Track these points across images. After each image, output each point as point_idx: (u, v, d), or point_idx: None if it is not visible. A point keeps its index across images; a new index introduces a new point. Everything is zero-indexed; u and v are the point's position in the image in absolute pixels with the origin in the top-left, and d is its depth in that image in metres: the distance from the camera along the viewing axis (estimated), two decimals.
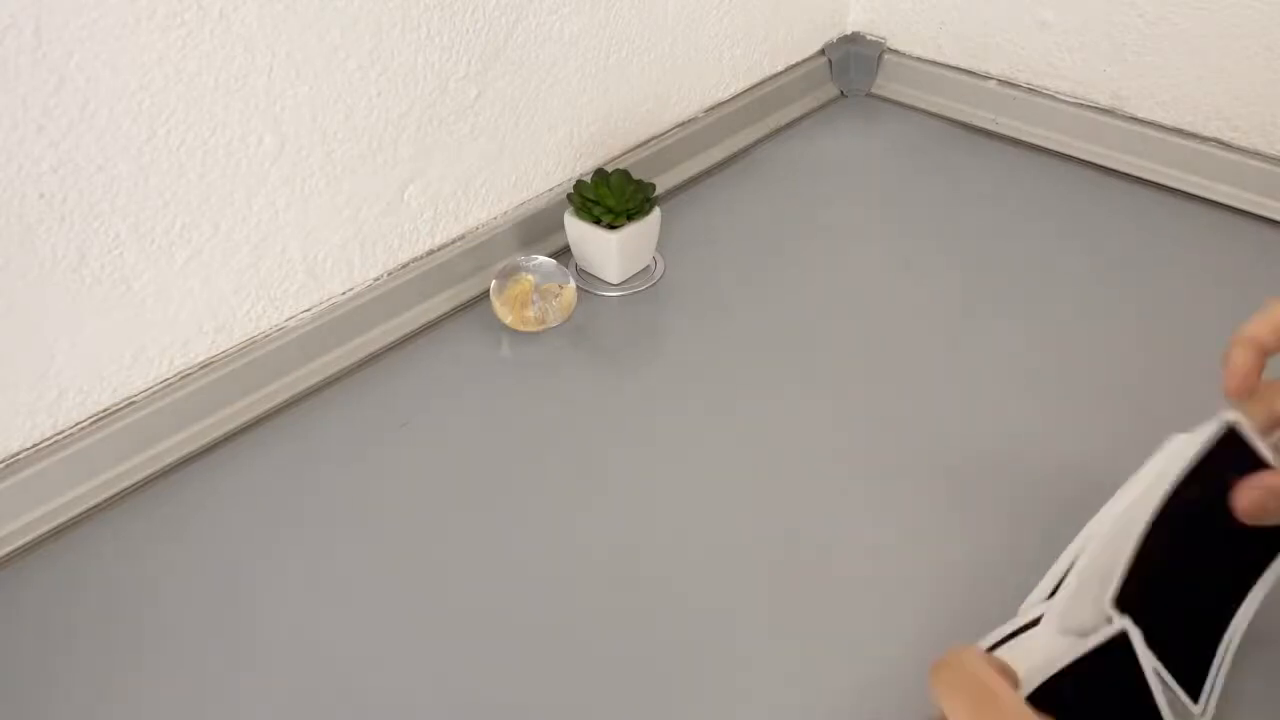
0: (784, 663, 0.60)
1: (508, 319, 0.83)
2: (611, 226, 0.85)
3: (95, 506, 0.71)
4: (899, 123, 1.11)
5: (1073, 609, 0.47)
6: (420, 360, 0.83)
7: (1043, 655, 0.45)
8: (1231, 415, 0.47)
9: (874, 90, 1.15)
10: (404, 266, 0.84)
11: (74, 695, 0.60)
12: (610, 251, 0.86)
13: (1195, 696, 0.49)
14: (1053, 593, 0.49)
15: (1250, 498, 0.49)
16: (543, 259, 0.85)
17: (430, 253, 0.85)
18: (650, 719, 0.57)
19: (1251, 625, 0.51)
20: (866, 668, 0.59)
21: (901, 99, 1.13)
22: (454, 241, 0.86)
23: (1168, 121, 0.97)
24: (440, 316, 0.86)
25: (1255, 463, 0.48)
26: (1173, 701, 0.47)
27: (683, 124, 1.02)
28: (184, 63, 0.65)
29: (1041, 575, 0.53)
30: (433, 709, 0.58)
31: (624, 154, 0.97)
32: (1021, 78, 1.05)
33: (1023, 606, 0.51)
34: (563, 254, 0.90)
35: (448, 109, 0.81)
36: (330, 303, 0.80)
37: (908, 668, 0.58)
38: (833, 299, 0.87)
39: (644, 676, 0.59)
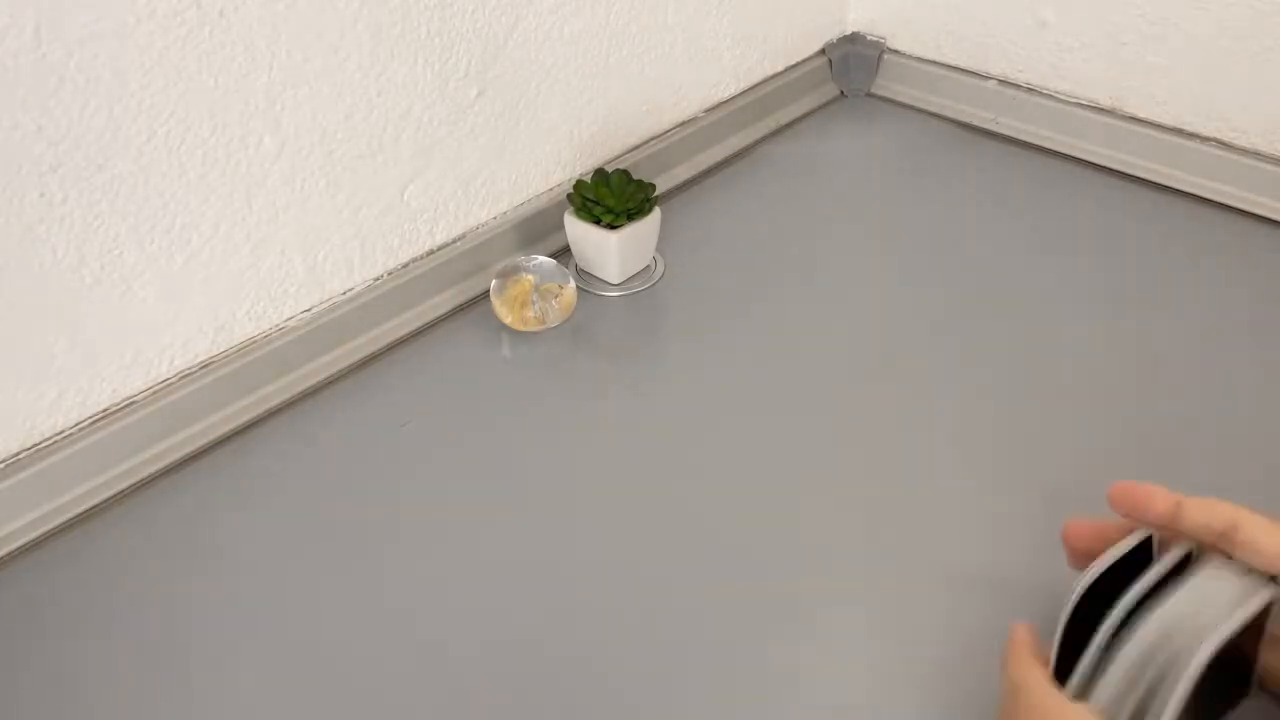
0: (775, 666, 0.60)
1: (508, 319, 0.83)
2: (611, 226, 0.85)
3: (95, 507, 0.71)
4: (899, 123, 1.11)
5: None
6: (420, 360, 0.83)
7: None
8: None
9: (874, 90, 1.15)
10: (404, 266, 0.84)
11: (74, 693, 0.60)
12: (610, 251, 0.86)
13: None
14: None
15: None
16: (543, 259, 0.85)
17: (430, 253, 0.85)
18: None
19: None
20: (861, 675, 0.59)
21: (901, 99, 1.13)
22: (454, 241, 0.86)
23: (1168, 121, 0.97)
24: (440, 316, 0.86)
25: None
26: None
27: (683, 124, 1.02)
28: (184, 63, 0.65)
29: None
30: (432, 707, 0.58)
31: (624, 154, 0.97)
32: (1021, 78, 1.05)
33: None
34: (563, 254, 0.90)
35: (448, 109, 0.81)
36: (330, 303, 0.80)
37: (893, 663, 0.58)
38: (832, 299, 0.87)
39: (635, 675, 0.60)
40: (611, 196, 0.84)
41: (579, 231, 0.87)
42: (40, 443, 0.69)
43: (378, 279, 0.82)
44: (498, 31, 0.81)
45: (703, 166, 1.03)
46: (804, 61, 1.12)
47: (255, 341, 0.77)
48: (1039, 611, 0.52)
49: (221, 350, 0.75)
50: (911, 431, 0.74)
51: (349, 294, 0.81)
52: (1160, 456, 0.71)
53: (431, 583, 0.65)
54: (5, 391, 0.66)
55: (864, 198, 1.00)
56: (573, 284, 0.84)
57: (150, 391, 0.73)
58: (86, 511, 0.70)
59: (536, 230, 0.91)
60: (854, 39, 1.15)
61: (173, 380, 0.73)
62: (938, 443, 0.73)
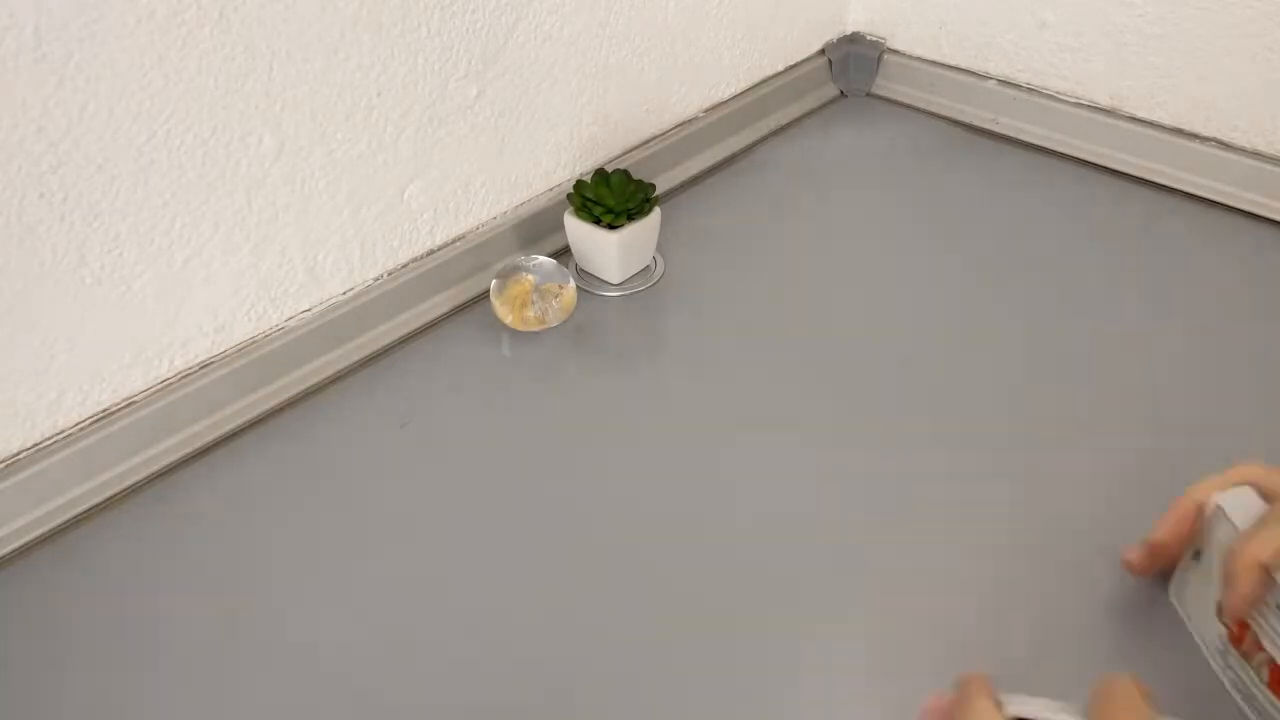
0: (774, 666, 0.60)
1: (508, 319, 0.83)
2: (611, 226, 0.85)
3: (95, 506, 0.71)
4: (899, 123, 1.11)
5: None
6: (420, 360, 0.83)
7: None
8: None
9: (874, 90, 1.15)
10: (404, 266, 0.84)
11: (75, 694, 0.60)
12: (610, 251, 0.86)
13: None
14: None
15: (1136, 555, 0.60)
16: (543, 259, 0.85)
17: (430, 253, 0.85)
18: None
19: None
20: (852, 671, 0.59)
21: (901, 99, 1.13)
22: (454, 241, 0.86)
23: (1168, 121, 0.97)
24: (440, 316, 0.86)
25: None
26: None
27: (683, 124, 1.02)
28: (184, 63, 0.65)
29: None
30: (430, 708, 0.58)
31: (624, 154, 0.97)
32: (1021, 78, 1.05)
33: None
34: (563, 254, 0.90)
35: (448, 109, 0.81)
36: (330, 303, 0.80)
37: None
38: (832, 298, 0.87)
39: (635, 675, 0.60)
40: (611, 196, 0.84)
41: (579, 231, 0.87)
42: (40, 443, 0.69)
43: (378, 279, 0.82)
44: (498, 31, 0.81)
45: (703, 166, 1.03)
46: (804, 61, 1.12)
47: (255, 341, 0.77)
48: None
49: (221, 350, 0.75)
50: (912, 431, 0.74)
51: (349, 294, 0.81)
52: (1160, 455, 0.71)
53: (431, 583, 0.65)
54: (5, 391, 0.66)
55: (863, 198, 1.00)
56: (573, 284, 0.84)
57: (150, 391, 0.73)
58: (86, 512, 0.70)
59: (536, 230, 0.91)
60: (854, 39, 1.15)
61: (173, 380, 0.73)
62: (938, 442, 0.73)
